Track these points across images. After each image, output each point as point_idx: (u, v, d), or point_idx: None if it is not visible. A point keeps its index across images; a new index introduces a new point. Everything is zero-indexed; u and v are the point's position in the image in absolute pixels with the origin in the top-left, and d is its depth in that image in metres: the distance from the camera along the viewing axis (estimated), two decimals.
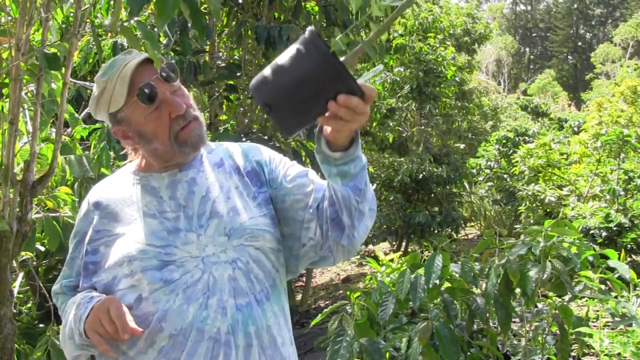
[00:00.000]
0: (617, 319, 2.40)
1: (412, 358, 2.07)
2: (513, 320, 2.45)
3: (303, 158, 3.53)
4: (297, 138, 3.70)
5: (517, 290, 2.28)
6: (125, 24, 1.95)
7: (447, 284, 2.44)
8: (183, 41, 3.26)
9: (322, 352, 2.20)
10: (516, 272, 2.16)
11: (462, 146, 10.94)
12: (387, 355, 2.24)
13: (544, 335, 2.51)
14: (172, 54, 3.53)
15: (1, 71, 1.73)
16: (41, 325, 2.59)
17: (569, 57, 47.87)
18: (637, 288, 2.75)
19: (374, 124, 7.65)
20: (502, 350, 2.76)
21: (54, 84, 2.02)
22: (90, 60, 3.56)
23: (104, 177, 2.42)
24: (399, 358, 2.21)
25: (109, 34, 3.52)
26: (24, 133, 2.03)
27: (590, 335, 2.30)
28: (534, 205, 7.46)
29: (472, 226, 10.91)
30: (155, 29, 2.77)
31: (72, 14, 2.51)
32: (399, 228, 8.46)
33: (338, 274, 8.05)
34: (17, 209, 1.73)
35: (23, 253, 2.07)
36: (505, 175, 9.87)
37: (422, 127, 9.12)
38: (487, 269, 2.28)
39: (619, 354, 2.34)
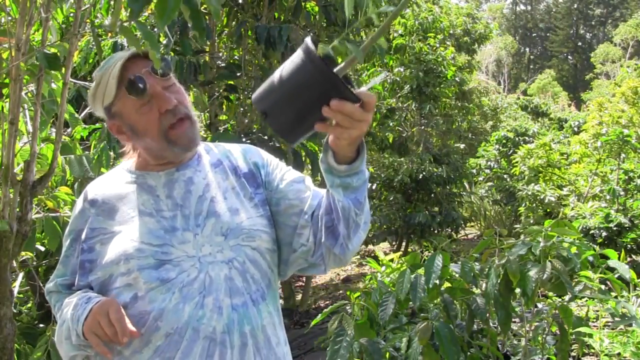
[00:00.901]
0: (617, 319, 2.40)
1: (412, 358, 2.07)
2: (513, 320, 2.45)
3: (303, 158, 3.53)
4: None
5: (517, 290, 2.28)
6: (125, 24, 1.95)
7: (447, 284, 2.44)
8: (183, 41, 3.26)
9: (322, 352, 2.21)
10: (516, 272, 2.16)
11: (462, 146, 10.94)
12: (387, 355, 2.24)
13: (544, 335, 2.51)
14: (172, 54, 3.53)
15: (1, 71, 1.73)
16: (41, 325, 2.59)
17: (569, 57, 47.87)
18: (637, 288, 2.75)
19: (374, 124, 7.65)
20: (502, 350, 2.76)
21: (54, 84, 2.02)
22: (90, 60, 3.56)
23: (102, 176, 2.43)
24: (399, 358, 2.21)
25: (109, 34, 3.52)
26: (24, 133, 2.03)
27: (590, 335, 2.30)
28: (534, 205, 7.46)
29: (472, 226, 10.91)
30: (156, 29, 2.77)
31: (72, 14, 2.51)
32: (399, 228, 8.46)
33: (338, 274, 8.04)
34: (17, 209, 1.73)
35: (23, 253, 2.07)
36: (505, 175, 9.88)
37: (422, 127, 9.12)
38: (487, 269, 2.28)
39: (619, 354, 2.34)
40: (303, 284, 6.75)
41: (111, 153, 2.57)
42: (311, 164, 3.54)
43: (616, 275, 2.47)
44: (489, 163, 10.43)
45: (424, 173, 8.09)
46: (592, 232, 5.47)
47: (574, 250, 2.36)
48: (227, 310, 1.12)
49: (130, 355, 1.13)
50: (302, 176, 1.30)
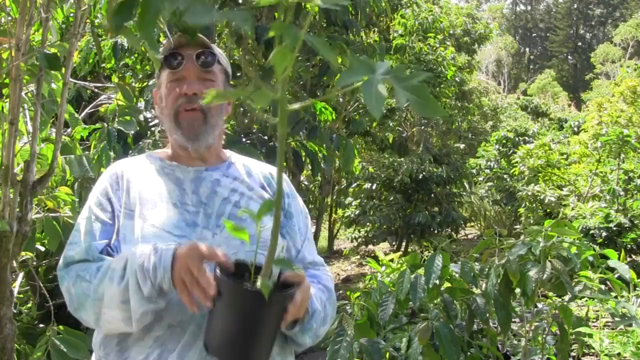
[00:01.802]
0: (617, 319, 2.40)
1: (412, 358, 2.07)
2: (513, 320, 2.45)
3: (303, 158, 3.53)
4: (297, 138, 3.69)
5: (517, 290, 2.28)
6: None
7: (447, 284, 2.44)
8: None
9: (322, 352, 2.20)
10: (516, 272, 2.16)
11: (462, 146, 10.95)
12: (387, 355, 2.24)
13: (544, 335, 2.51)
14: None
15: (1, 71, 1.73)
16: (41, 325, 2.59)
17: (569, 57, 47.88)
18: (637, 288, 2.75)
19: (374, 124, 7.65)
20: (502, 350, 2.76)
21: (54, 84, 2.02)
22: (90, 61, 3.56)
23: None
24: (399, 358, 2.21)
25: (109, 34, 3.52)
26: (24, 133, 2.03)
27: (590, 335, 2.30)
28: (534, 205, 7.47)
29: (472, 226, 10.91)
30: (155, 30, 2.77)
31: (72, 14, 2.51)
32: (399, 228, 8.46)
33: (338, 274, 8.04)
34: (17, 209, 1.73)
35: (23, 253, 2.07)
36: (505, 176, 9.88)
37: (422, 127, 9.12)
38: (487, 269, 2.28)
39: (619, 354, 2.34)
40: None
41: (111, 153, 2.57)
42: (311, 164, 3.54)
43: (616, 275, 2.47)
44: (489, 163, 10.44)
45: (424, 173, 8.10)
46: (592, 232, 5.47)
47: (574, 250, 2.36)
48: None
49: (132, 342, 1.12)
50: (315, 261, 1.33)
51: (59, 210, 2.13)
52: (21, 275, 2.31)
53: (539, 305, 2.90)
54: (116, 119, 2.49)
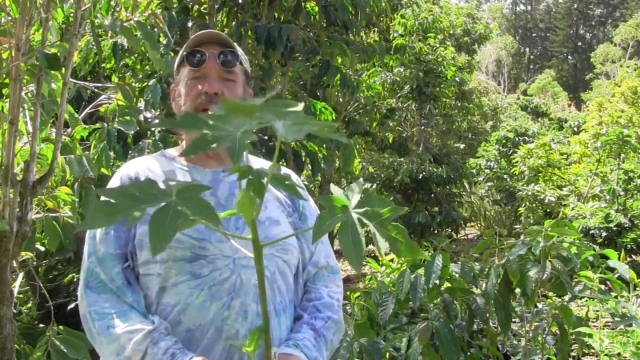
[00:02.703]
0: (617, 319, 2.40)
1: (412, 358, 2.07)
2: (513, 320, 2.45)
3: (303, 158, 3.53)
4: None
5: (517, 290, 2.28)
6: (125, 24, 1.95)
7: (447, 284, 2.44)
8: (183, 41, 3.26)
9: None
10: (516, 272, 2.16)
11: (462, 146, 10.96)
12: (387, 355, 2.24)
13: (544, 335, 2.51)
14: (172, 54, 3.53)
15: (1, 71, 1.73)
16: (41, 325, 2.58)
17: (569, 57, 47.88)
18: (637, 288, 2.75)
19: (374, 124, 7.65)
20: (502, 350, 2.76)
21: (54, 84, 2.02)
22: (90, 61, 3.55)
23: (104, 177, 2.42)
24: (399, 358, 2.21)
25: (109, 34, 3.52)
26: (24, 133, 2.03)
27: (590, 335, 2.30)
28: (534, 205, 7.47)
29: (472, 226, 10.91)
30: (155, 29, 2.77)
31: (72, 14, 2.51)
32: None
33: None
34: (17, 209, 1.73)
35: (23, 253, 2.07)
36: (505, 176, 9.88)
37: (422, 127, 9.12)
38: (487, 269, 2.28)
39: (619, 354, 2.34)
40: None
41: (111, 153, 2.57)
42: (311, 164, 3.53)
43: (616, 275, 2.47)
44: (489, 163, 10.44)
45: (424, 173, 8.10)
46: (592, 232, 5.47)
47: (574, 250, 2.36)
48: (251, 315, 1.12)
49: None
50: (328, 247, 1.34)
51: (59, 210, 2.13)
52: (21, 275, 2.31)
53: (539, 305, 2.90)
54: (116, 119, 2.49)
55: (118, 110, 2.48)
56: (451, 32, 10.29)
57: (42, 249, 2.44)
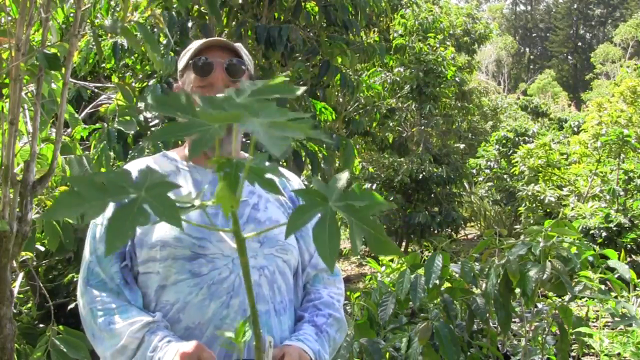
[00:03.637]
0: (617, 319, 2.40)
1: (412, 358, 2.07)
2: (513, 320, 2.45)
3: (303, 158, 3.53)
4: (297, 138, 3.69)
5: (517, 290, 2.28)
6: (126, 24, 1.95)
7: (447, 284, 2.44)
8: (183, 41, 3.27)
9: None
10: (516, 272, 2.16)
11: (462, 146, 10.95)
12: (387, 355, 2.24)
13: (544, 335, 2.51)
14: (172, 54, 3.53)
15: (1, 71, 1.73)
16: (41, 325, 2.58)
17: (569, 57, 47.88)
18: (637, 288, 2.75)
19: (374, 124, 7.65)
20: (502, 350, 2.76)
21: (54, 84, 2.01)
22: (90, 61, 3.55)
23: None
24: (399, 358, 2.21)
25: (109, 34, 3.52)
26: (24, 133, 2.03)
27: (590, 335, 2.30)
28: (534, 205, 7.47)
29: (472, 226, 10.91)
30: (155, 30, 2.77)
31: (72, 14, 2.51)
32: (399, 228, 8.46)
33: None
34: (17, 209, 1.73)
35: (23, 253, 2.07)
36: (505, 176, 9.88)
37: (422, 127, 9.12)
38: (487, 269, 2.28)
39: (619, 354, 2.34)
40: None
41: (111, 153, 2.57)
42: (311, 164, 3.53)
43: (616, 275, 2.47)
44: (489, 163, 10.44)
45: (424, 173, 8.10)
46: (592, 232, 5.47)
47: (574, 250, 2.36)
48: None
49: None
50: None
51: None
52: (21, 275, 2.31)
53: (539, 305, 2.90)
54: (116, 119, 2.49)
55: (118, 110, 2.48)
56: (451, 32, 10.29)
57: (42, 249, 2.44)
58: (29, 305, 2.83)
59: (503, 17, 48.68)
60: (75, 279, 2.84)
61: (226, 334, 1.02)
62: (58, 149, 1.85)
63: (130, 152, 2.74)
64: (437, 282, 2.25)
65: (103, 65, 3.93)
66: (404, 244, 8.85)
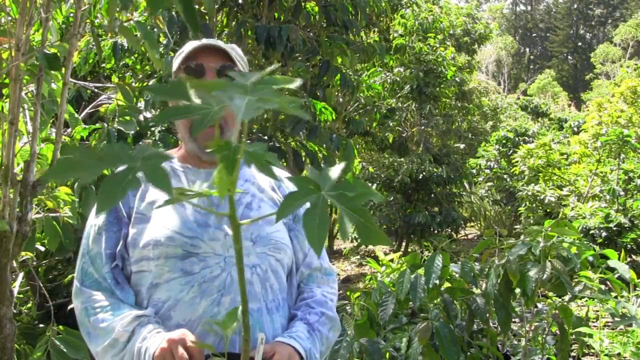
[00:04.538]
0: (617, 319, 2.40)
1: (412, 358, 2.07)
2: (513, 320, 2.45)
3: (303, 158, 3.53)
4: (297, 138, 3.69)
5: (517, 290, 2.28)
6: (125, 24, 1.95)
7: (447, 284, 2.44)
8: (183, 41, 3.26)
9: None
10: (516, 272, 2.16)
11: (462, 146, 10.95)
12: (387, 355, 2.24)
13: (544, 335, 2.51)
14: (172, 54, 3.53)
15: (1, 71, 1.73)
16: (41, 325, 2.58)
17: (569, 57, 47.87)
18: (637, 288, 2.75)
19: (374, 124, 7.65)
20: (502, 350, 2.76)
21: (54, 84, 2.01)
22: (90, 61, 3.56)
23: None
24: (399, 358, 2.21)
25: (109, 34, 3.52)
26: (24, 133, 2.03)
27: (590, 335, 2.30)
28: (534, 205, 7.47)
29: (472, 226, 10.91)
30: (155, 30, 2.77)
31: (72, 14, 2.51)
32: (399, 228, 8.46)
33: (338, 274, 8.05)
34: (17, 209, 1.73)
35: (23, 253, 2.07)
36: (505, 176, 9.88)
37: (422, 127, 9.12)
38: (487, 269, 2.28)
39: (619, 354, 2.34)
40: None
41: None
42: (311, 164, 3.53)
43: (616, 275, 2.47)
44: (489, 163, 10.44)
45: (424, 173, 8.10)
46: (592, 232, 5.47)
47: (574, 250, 2.36)
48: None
49: None
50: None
51: (59, 210, 2.13)
52: (21, 275, 2.31)
53: (539, 305, 2.90)
54: (116, 119, 2.49)
55: (118, 110, 2.48)
56: (451, 32, 10.29)
57: (42, 249, 2.44)
58: (29, 305, 2.82)
59: (503, 17, 48.67)
60: None
61: (214, 326, 1.04)
62: (58, 149, 1.85)
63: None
64: (437, 282, 2.25)
65: (103, 65, 3.94)
66: (404, 244, 8.85)
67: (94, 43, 3.24)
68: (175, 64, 1.30)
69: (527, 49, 49.25)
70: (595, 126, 7.38)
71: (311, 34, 4.13)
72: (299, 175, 0.54)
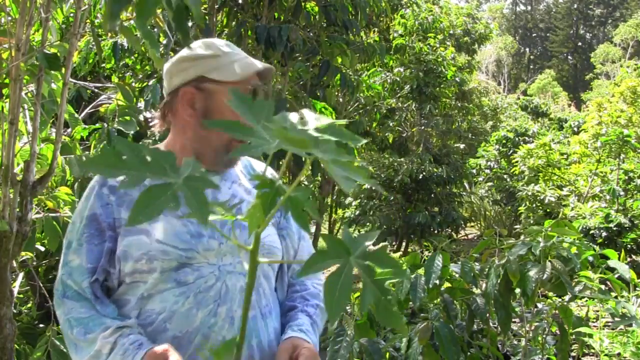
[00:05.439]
0: (617, 319, 2.40)
1: (412, 358, 2.07)
2: (513, 320, 2.45)
3: (303, 158, 3.53)
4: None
5: (517, 290, 2.28)
6: (125, 24, 1.95)
7: (447, 284, 2.44)
8: (183, 41, 3.26)
9: (322, 352, 2.20)
10: (516, 272, 2.16)
11: (462, 146, 10.94)
12: (387, 355, 2.24)
13: (544, 335, 2.51)
14: (172, 54, 3.53)
15: (1, 71, 1.73)
16: (41, 325, 2.58)
17: (569, 57, 47.87)
18: (637, 288, 2.75)
19: (374, 124, 7.65)
20: (502, 350, 2.76)
21: (54, 84, 2.02)
22: (90, 61, 3.56)
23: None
24: (399, 358, 2.21)
25: (109, 34, 3.52)
26: (24, 133, 2.03)
27: (590, 335, 2.30)
28: (534, 205, 7.46)
29: (472, 226, 10.91)
30: (155, 29, 2.77)
31: (72, 14, 2.51)
32: (399, 228, 8.46)
33: None
34: (17, 209, 1.73)
35: (23, 253, 2.07)
36: (505, 176, 9.87)
37: (422, 127, 9.11)
38: (487, 269, 2.28)
39: (619, 354, 2.34)
40: None
41: None
42: (311, 164, 3.54)
43: (616, 275, 2.46)
44: (489, 163, 10.43)
45: (424, 173, 8.09)
46: (592, 232, 5.47)
47: (574, 250, 2.36)
48: (238, 322, 1.13)
49: None
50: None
51: (59, 210, 2.13)
52: (21, 275, 2.31)
53: (539, 305, 2.90)
54: (116, 119, 2.49)
55: (118, 110, 2.48)
56: (451, 32, 10.28)
57: (42, 249, 2.44)
58: (29, 305, 2.82)
59: (503, 17, 48.67)
60: None
61: (207, 351, 1.04)
62: (58, 149, 1.85)
63: None
64: (437, 282, 2.25)
65: (103, 65, 3.94)
66: (404, 244, 8.85)
67: (94, 43, 3.24)
68: (214, 69, 1.20)
69: (527, 49, 49.25)
70: (595, 126, 7.38)
71: (311, 34, 4.13)
72: (332, 236, 0.53)
